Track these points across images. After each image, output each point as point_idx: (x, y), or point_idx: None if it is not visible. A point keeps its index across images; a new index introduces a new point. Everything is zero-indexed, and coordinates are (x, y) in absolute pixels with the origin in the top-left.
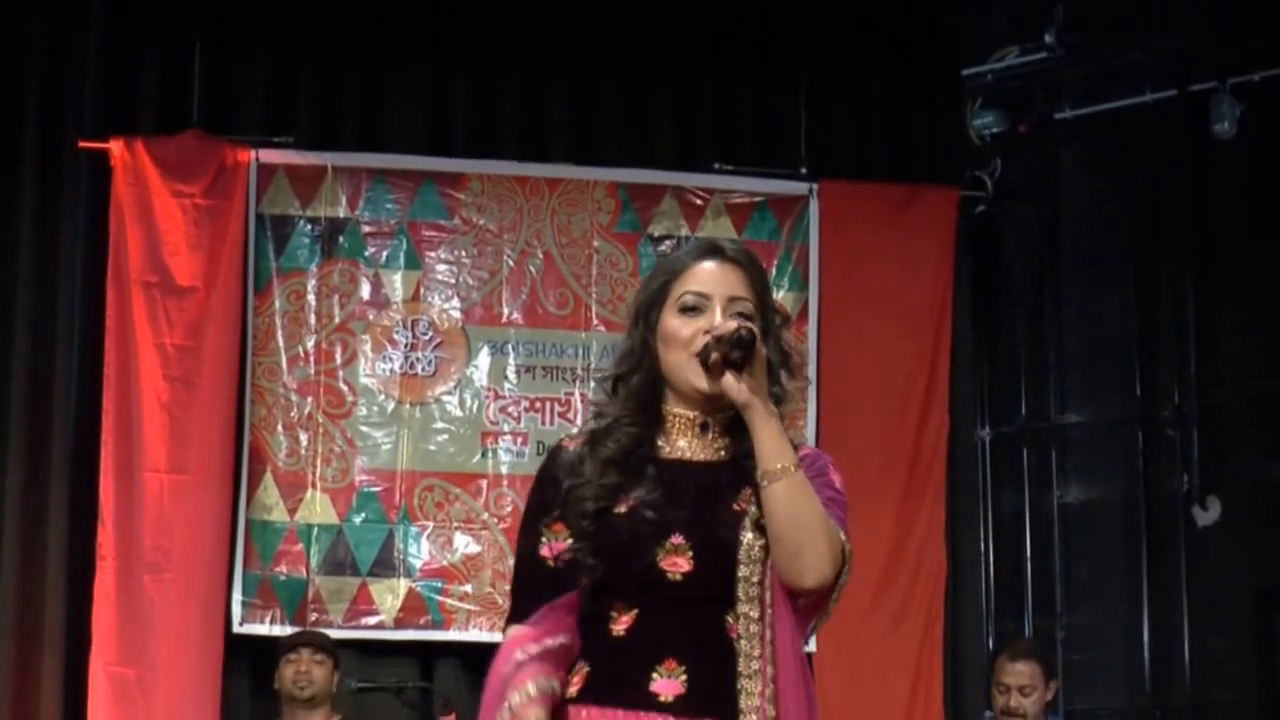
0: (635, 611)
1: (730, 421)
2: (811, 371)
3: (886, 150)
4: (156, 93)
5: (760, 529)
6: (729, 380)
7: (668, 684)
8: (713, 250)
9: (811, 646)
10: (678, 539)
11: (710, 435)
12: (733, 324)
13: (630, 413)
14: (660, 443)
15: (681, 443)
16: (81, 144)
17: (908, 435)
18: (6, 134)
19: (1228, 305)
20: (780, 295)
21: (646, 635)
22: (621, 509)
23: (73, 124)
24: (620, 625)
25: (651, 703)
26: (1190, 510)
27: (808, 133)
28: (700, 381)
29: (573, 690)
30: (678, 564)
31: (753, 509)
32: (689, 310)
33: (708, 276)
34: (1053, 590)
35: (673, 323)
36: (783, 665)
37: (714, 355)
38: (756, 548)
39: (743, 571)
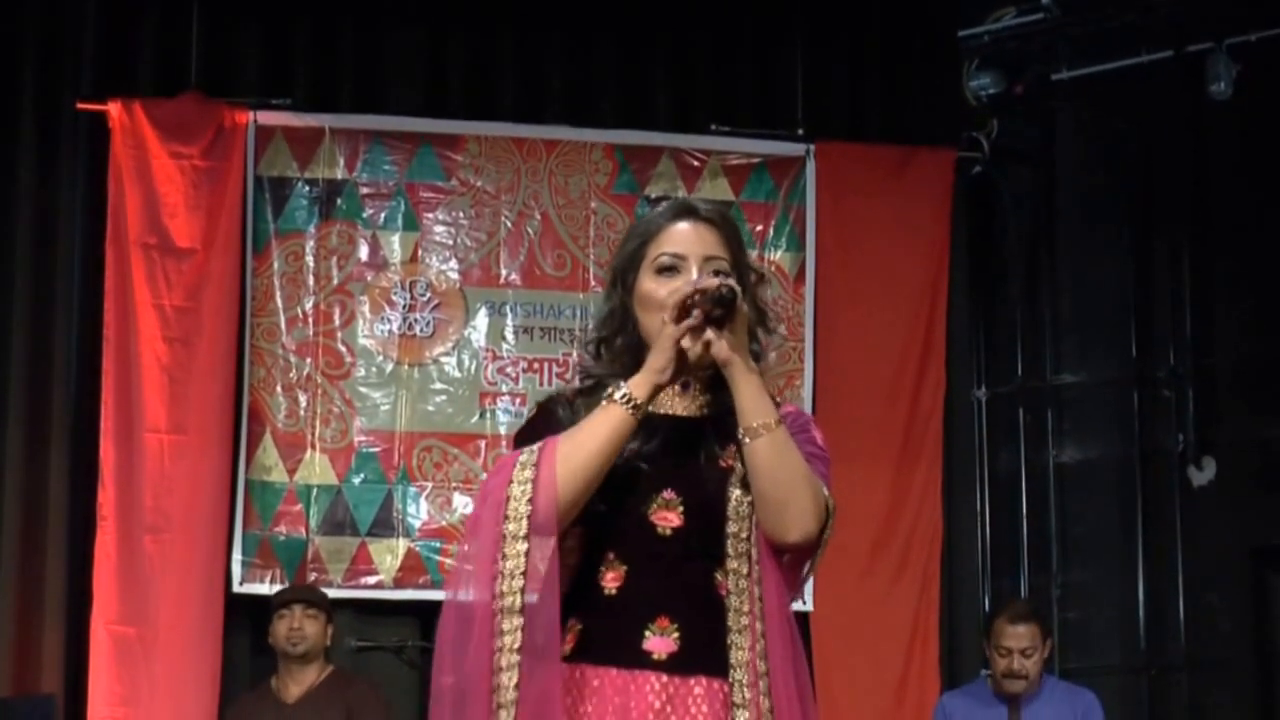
0: (625, 568)
1: (711, 379)
2: (808, 331)
3: (883, 111)
4: (154, 55)
5: (746, 485)
6: (711, 337)
7: (661, 642)
8: (686, 210)
9: (809, 606)
10: (669, 494)
11: (692, 392)
12: (714, 281)
13: (616, 373)
14: None
15: (664, 400)
16: (80, 106)
17: (904, 395)
18: (5, 96)
19: (1223, 266)
20: (778, 256)
21: (637, 592)
22: (617, 461)
23: (71, 86)
24: (610, 583)
25: (645, 661)
26: (1185, 470)
27: (805, 94)
28: (668, 363)
29: (566, 649)
30: (668, 518)
31: (739, 466)
32: (665, 271)
33: (682, 237)
34: (1048, 550)
35: (649, 285)
36: (771, 621)
37: (696, 311)
38: (744, 504)
39: (731, 528)
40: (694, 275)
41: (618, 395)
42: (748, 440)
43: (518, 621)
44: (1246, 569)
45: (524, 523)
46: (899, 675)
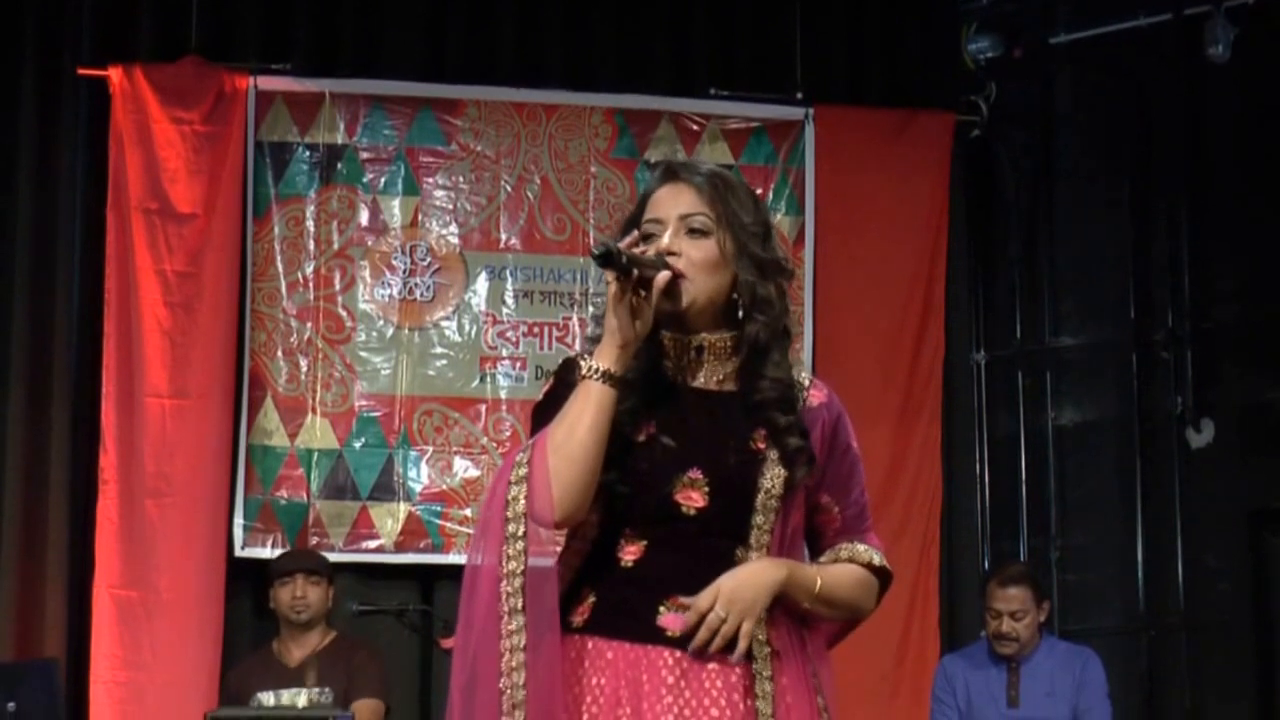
0: (644, 543)
1: (727, 344)
2: (807, 295)
3: (882, 75)
4: (154, 20)
5: (776, 475)
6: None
7: (675, 618)
8: (668, 174)
9: None
10: (695, 473)
11: (709, 358)
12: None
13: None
14: (667, 364)
15: (682, 365)
16: (80, 71)
17: (903, 359)
18: (5, 62)
19: (1221, 228)
20: (777, 219)
21: (654, 568)
22: (640, 437)
23: (71, 51)
24: (628, 555)
25: (659, 637)
26: (1184, 432)
27: (803, 57)
28: (622, 319)
29: (578, 620)
30: (692, 498)
31: (772, 452)
32: (649, 239)
33: (661, 201)
34: (1047, 512)
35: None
36: (786, 602)
37: (635, 270)
38: (773, 498)
39: (757, 519)
40: (666, 238)
41: (585, 370)
42: (809, 605)
43: (522, 621)
44: (1245, 531)
45: (522, 523)
46: (899, 637)
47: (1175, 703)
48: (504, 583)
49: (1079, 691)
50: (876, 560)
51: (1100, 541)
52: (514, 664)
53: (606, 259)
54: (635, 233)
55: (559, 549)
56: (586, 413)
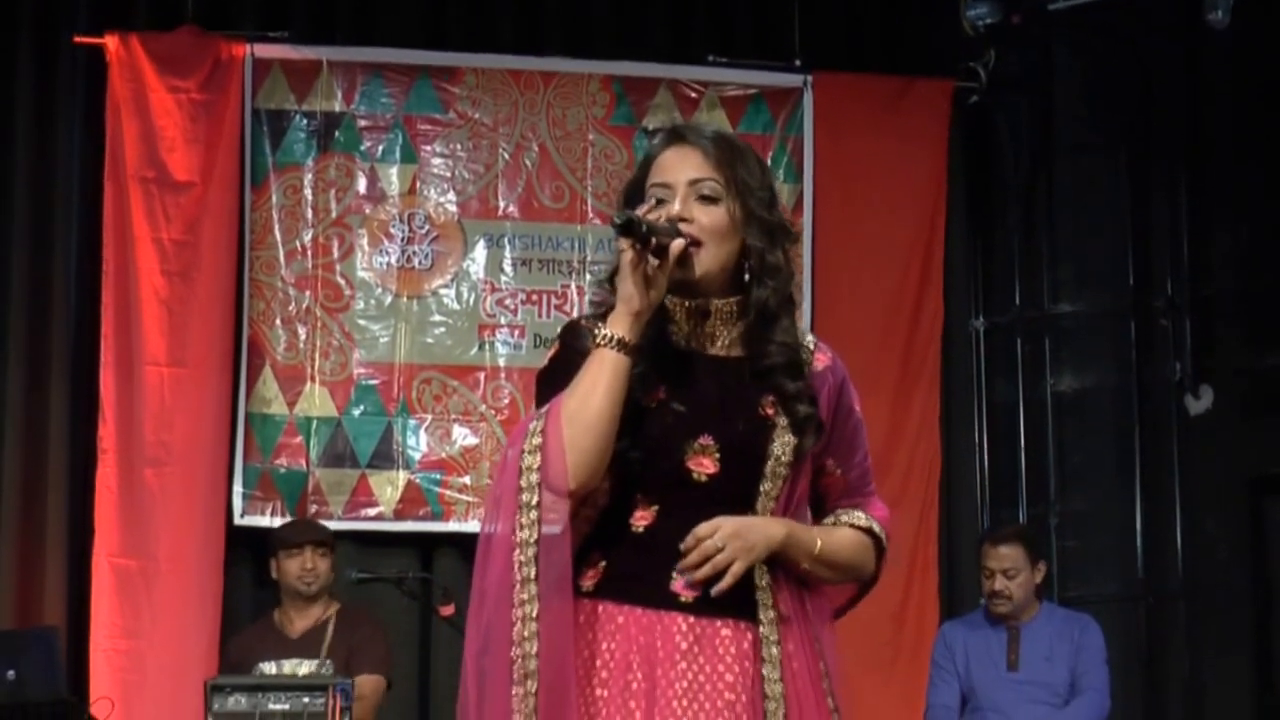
0: (656, 509)
1: (733, 309)
2: (806, 262)
3: (881, 42)
4: None
5: (785, 442)
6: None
7: (687, 583)
8: (674, 137)
9: None
10: (706, 439)
11: (714, 323)
12: (645, 207)
13: None
14: (672, 329)
15: (689, 330)
16: (77, 40)
17: (902, 326)
18: (2, 31)
19: (1221, 195)
20: (775, 185)
21: (666, 534)
22: (651, 403)
23: (68, 20)
24: (640, 521)
25: (671, 602)
26: (1183, 399)
27: (802, 25)
28: (636, 288)
29: (588, 584)
30: (703, 465)
31: (781, 419)
32: (658, 204)
33: (669, 165)
34: (1046, 479)
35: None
36: (787, 564)
37: (654, 239)
38: (782, 465)
39: (765, 486)
40: (677, 204)
41: (600, 338)
42: (808, 566)
43: (535, 590)
44: (1243, 497)
45: (537, 492)
46: (898, 604)
47: (1174, 669)
48: (517, 551)
49: (1077, 656)
50: (876, 529)
51: (1099, 508)
52: (526, 633)
53: (628, 228)
54: (652, 201)
55: (571, 517)
56: (601, 381)
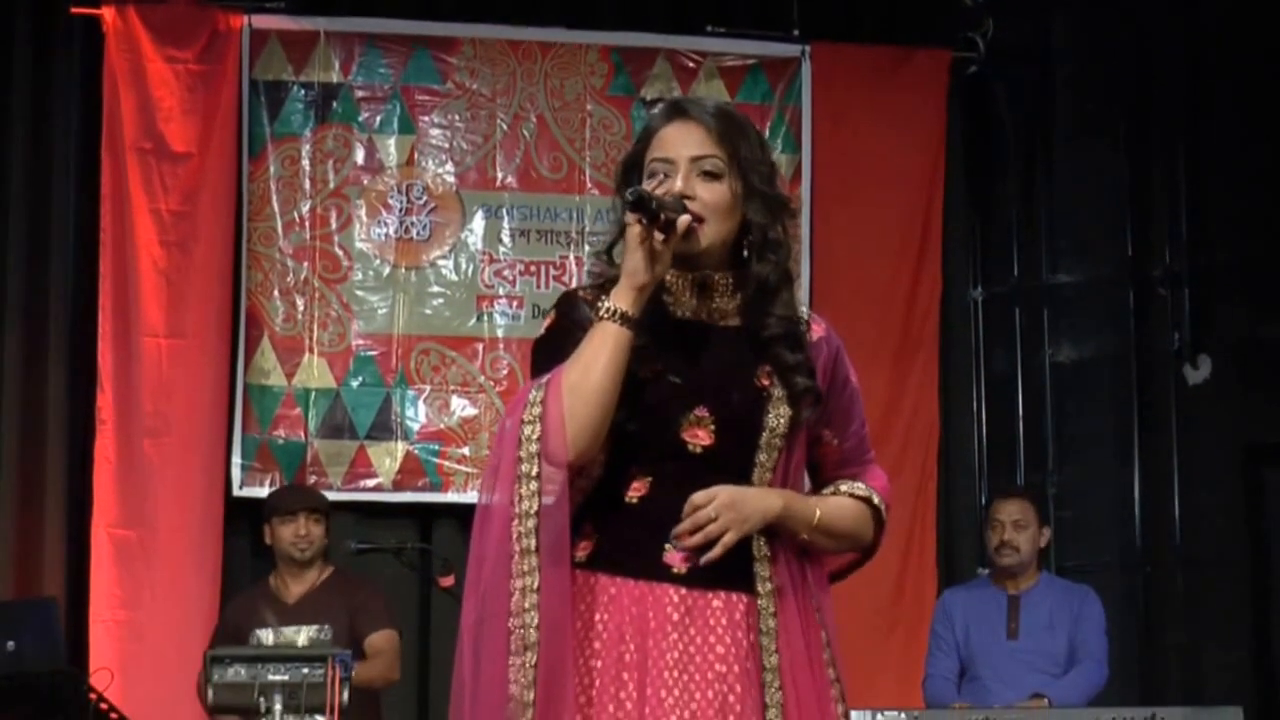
0: (649, 480)
1: (732, 280)
2: (805, 233)
3: (879, 12)
4: None
5: (781, 413)
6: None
7: (680, 555)
8: (675, 111)
9: None
10: (702, 411)
11: (713, 295)
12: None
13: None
14: (667, 299)
15: (687, 300)
16: (73, 10)
17: (901, 296)
18: None
19: (1219, 164)
20: (774, 158)
21: (659, 505)
22: (648, 374)
23: None
24: (633, 493)
25: (664, 574)
26: (1181, 368)
27: None
28: (641, 262)
29: (581, 555)
30: (698, 436)
31: (777, 390)
32: (657, 178)
33: (670, 140)
34: (1045, 449)
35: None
36: (785, 534)
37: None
38: (777, 436)
39: (761, 457)
40: (679, 181)
41: (603, 311)
42: (807, 537)
43: (535, 562)
44: (1242, 466)
45: (536, 463)
46: (896, 573)
47: (1171, 638)
48: (516, 522)
49: (1077, 626)
50: (875, 499)
51: (1097, 478)
52: (526, 604)
53: (639, 203)
54: (660, 176)
55: (567, 488)
56: (603, 353)
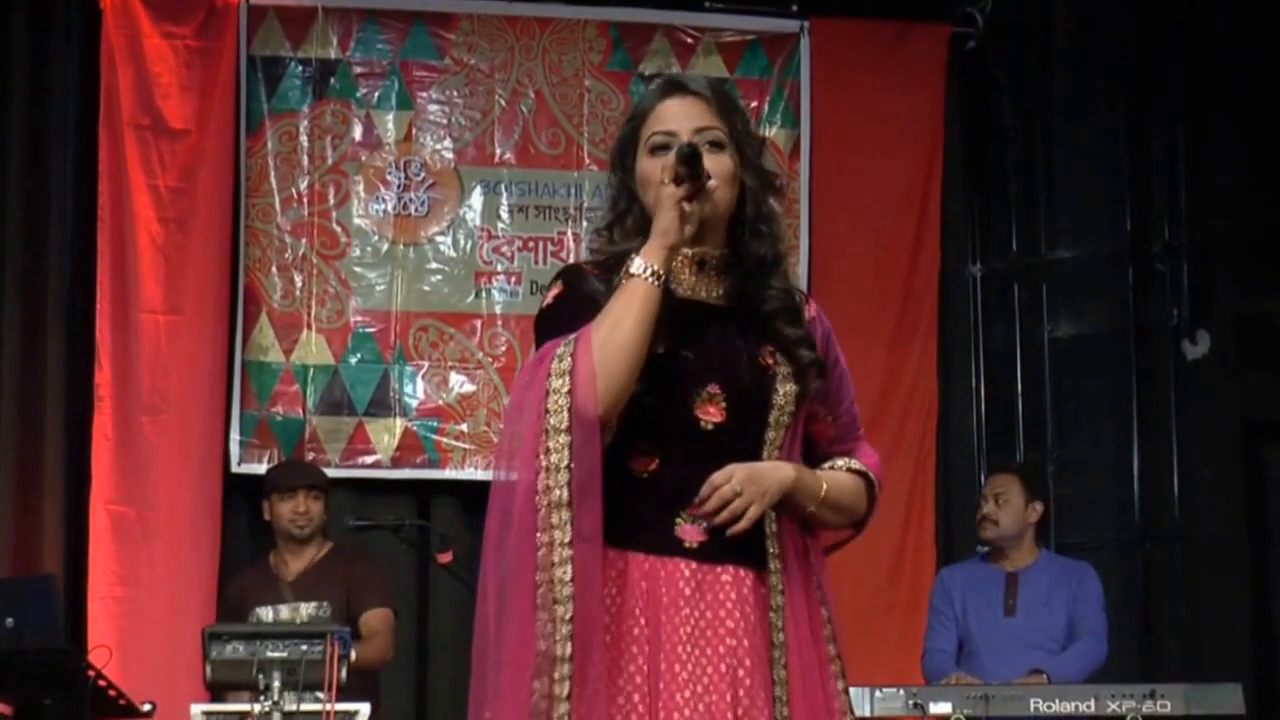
0: (659, 455)
1: (726, 260)
2: (803, 208)
3: None
4: None
5: (787, 390)
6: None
7: (692, 529)
8: (674, 86)
9: None
10: (714, 388)
11: (709, 272)
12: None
13: (635, 248)
14: (669, 279)
15: (686, 278)
16: None
17: (899, 272)
18: None
19: (1218, 140)
20: (772, 133)
21: (671, 480)
22: (660, 349)
23: None
24: (642, 467)
25: (675, 548)
26: (1180, 344)
27: None
28: (674, 222)
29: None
30: (710, 413)
31: (781, 367)
32: (659, 150)
33: (672, 113)
34: (1043, 425)
35: (646, 165)
36: (791, 508)
37: (675, 175)
38: (785, 414)
39: (770, 435)
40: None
41: (635, 269)
42: (813, 509)
43: (567, 515)
44: (1240, 442)
45: (565, 415)
46: (895, 551)
47: (1170, 614)
48: (544, 475)
49: (1075, 603)
50: (871, 475)
51: (1096, 454)
52: (555, 559)
53: (693, 158)
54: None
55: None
56: (633, 308)
